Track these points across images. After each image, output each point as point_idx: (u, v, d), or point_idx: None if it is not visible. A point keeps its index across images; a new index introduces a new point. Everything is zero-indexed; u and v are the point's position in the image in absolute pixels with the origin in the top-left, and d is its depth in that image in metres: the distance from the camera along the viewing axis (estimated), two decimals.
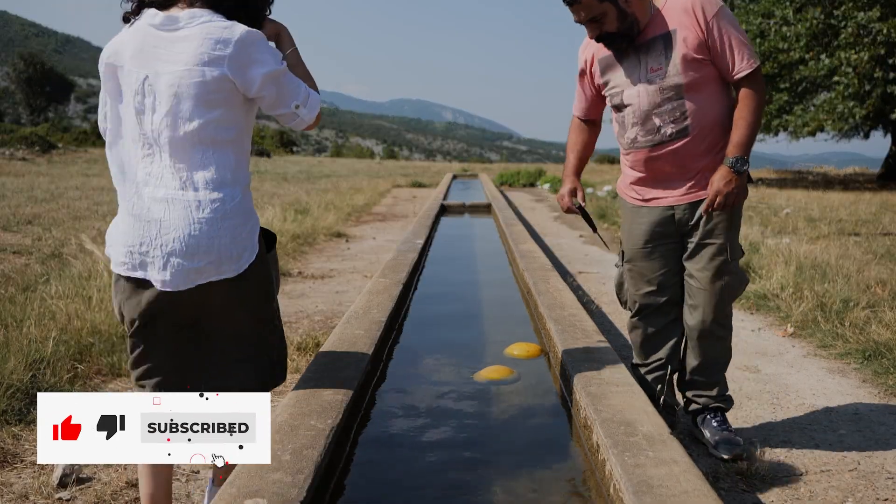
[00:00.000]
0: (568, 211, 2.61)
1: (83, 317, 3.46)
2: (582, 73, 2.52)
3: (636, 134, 2.37)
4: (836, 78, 15.26)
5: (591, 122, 2.66)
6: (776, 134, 18.83)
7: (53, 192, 11.05)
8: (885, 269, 5.25)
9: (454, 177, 18.75)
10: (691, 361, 2.50)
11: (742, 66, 2.22)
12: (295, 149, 61.86)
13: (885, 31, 13.82)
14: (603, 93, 2.47)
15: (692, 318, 2.43)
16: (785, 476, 2.27)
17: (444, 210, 9.16)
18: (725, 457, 2.34)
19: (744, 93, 2.26)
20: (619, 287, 2.62)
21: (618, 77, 2.38)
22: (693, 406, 2.54)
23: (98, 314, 3.53)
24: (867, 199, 12.26)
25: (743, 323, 4.33)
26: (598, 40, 2.32)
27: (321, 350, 2.44)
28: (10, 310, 3.54)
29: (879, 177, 21.10)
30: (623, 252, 2.57)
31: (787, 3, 16.40)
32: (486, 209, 9.40)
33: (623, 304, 2.65)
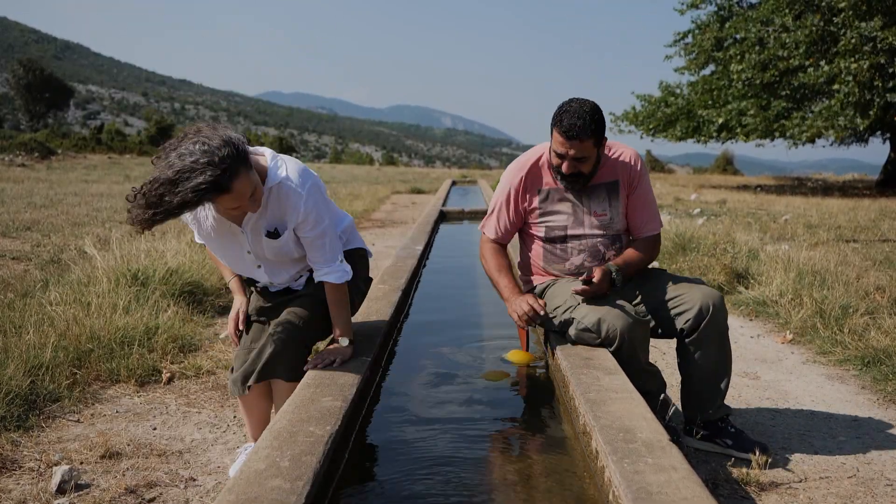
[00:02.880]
0: (530, 323, 2.48)
1: (82, 323, 3.46)
2: (510, 198, 2.64)
3: (583, 261, 2.62)
4: (835, 86, 15.29)
5: (504, 247, 2.78)
6: (773, 139, 18.83)
7: (52, 197, 11.05)
8: (884, 276, 5.26)
9: (453, 183, 18.72)
10: (703, 365, 2.46)
11: (655, 226, 2.63)
12: (294, 155, 61.94)
13: (888, 38, 13.83)
14: (532, 220, 2.64)
15: (694, 301, 2.40)
16: (784, 483, 2.27)
17: (443, 216, 9.15)
18: (757, 453, 2.32)
19: (652, 242, 2.62)
20: (596, 324, 2.39)
21: (560, 212, 2.59)
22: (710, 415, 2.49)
23: (97, 320, 3.53)
24: (866, 206, 12.28)
25: (742, 329, 4.33)
26: (567, 176, 2.49)
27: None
28: (9, 316, 3.54)
29: (878, 183, 21.15)
30: (572, 307, 2.46)
31: (787, 11, 16.47)
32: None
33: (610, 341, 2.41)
